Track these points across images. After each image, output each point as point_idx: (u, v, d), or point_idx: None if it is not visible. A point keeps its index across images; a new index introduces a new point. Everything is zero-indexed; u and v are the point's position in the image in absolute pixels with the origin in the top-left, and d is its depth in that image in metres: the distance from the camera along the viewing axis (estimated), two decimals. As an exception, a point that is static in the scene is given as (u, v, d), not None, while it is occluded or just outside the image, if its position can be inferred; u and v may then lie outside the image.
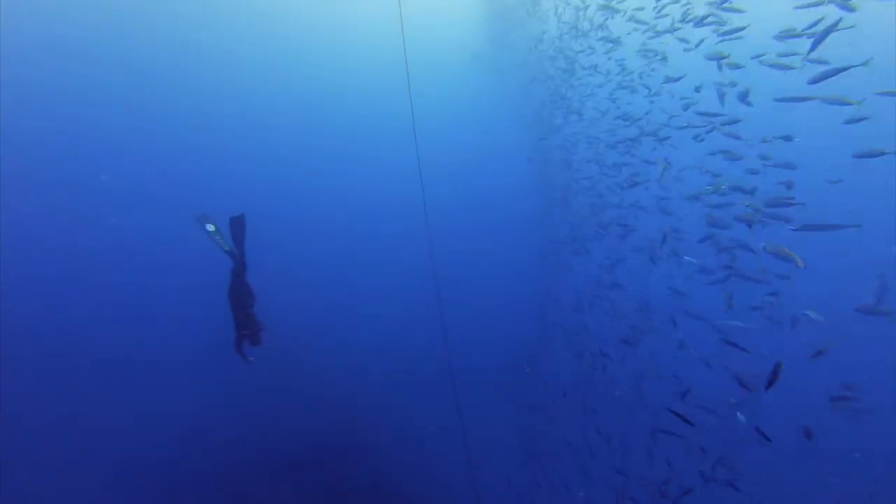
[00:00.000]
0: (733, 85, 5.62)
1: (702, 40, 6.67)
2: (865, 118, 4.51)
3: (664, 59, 8.18)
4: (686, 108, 6.87)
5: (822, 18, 4.39)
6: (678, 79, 6.87)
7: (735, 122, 5.66)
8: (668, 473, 6.21)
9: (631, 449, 7.44)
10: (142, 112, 15.77)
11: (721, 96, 5.92)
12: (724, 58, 5.42)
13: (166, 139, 16.09)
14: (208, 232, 6.18)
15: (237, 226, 6.31)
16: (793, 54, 5.17)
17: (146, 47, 16.02)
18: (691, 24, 6.52)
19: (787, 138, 5.69)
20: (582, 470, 8.11)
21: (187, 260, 13.10)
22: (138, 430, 10.18)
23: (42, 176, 13.76)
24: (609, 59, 9.52)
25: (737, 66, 5.49)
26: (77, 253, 13.38)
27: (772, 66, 5.09)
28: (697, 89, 6.96)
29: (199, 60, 17.24)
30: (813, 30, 4.50)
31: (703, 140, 6.58)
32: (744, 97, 5.22)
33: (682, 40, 6.90)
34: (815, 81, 4.37)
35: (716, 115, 6.20)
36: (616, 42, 8.98)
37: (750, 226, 4.79)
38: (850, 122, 4.61)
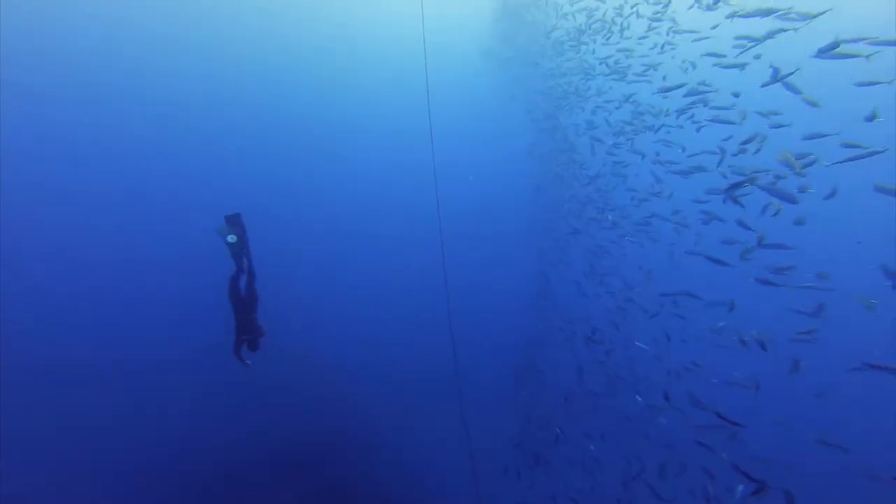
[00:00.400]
0: (757, 57, 5.44)
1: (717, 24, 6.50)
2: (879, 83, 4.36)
3: (674, 25, 7.98)
4: (698, 92, 6.65)
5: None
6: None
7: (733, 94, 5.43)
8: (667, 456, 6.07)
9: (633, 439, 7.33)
10: (151, 113, 15.78)
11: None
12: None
13: (179, 141, 16.10)
14: (228, 243, 6.11)
15: (235, 225, 6.26)
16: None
17: (155, 48, 16.06)
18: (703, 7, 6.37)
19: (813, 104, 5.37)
20: (583, 466, 7.97)
21: (186, 260, 13.10)
22: (138, 431, 10.15)
23: (42, 177, 13.78)
24: (617, 50, 9.35)
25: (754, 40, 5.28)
26: (77, 253, 13.40)
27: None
28: (743, 66, 6.47)
29: (206, 61, 17.21)
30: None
31: (701, 126, 6.38)
32: (776, 76, 4.97)
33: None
34: (824, 51, 4.23)
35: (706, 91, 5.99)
36: (624, 33, 8.82)
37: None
38: (860, 84, 4.46)
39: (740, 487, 4.40)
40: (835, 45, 4.02)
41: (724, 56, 5.90)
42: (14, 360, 10.63)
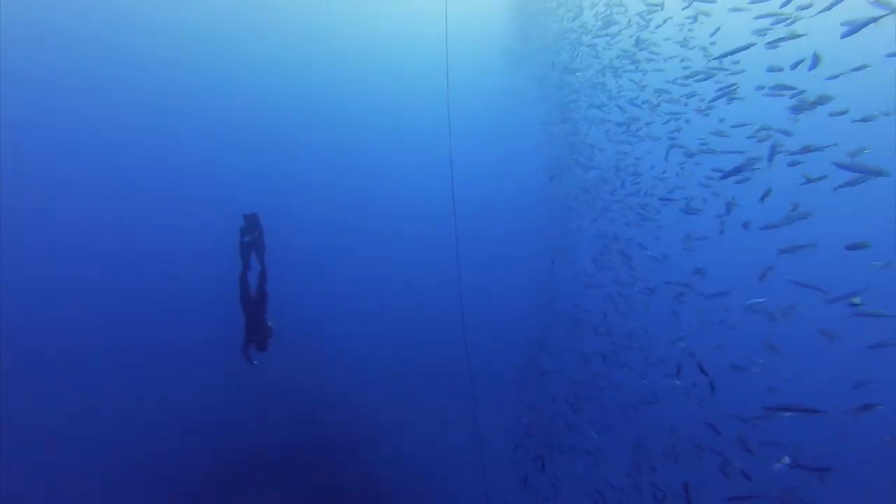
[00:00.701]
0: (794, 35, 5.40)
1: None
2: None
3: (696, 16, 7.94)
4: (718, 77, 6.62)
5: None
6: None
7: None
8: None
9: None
10: (161, 110, 15.68)
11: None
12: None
13: (199, 140, 16.01)
14: (243, 241, 6.13)
15: (254, 226, 6.23)
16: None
17: (160, 39, 15.96)
18: None
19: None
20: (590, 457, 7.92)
21: (189, 253, 12.99)
22: (137, 425, 10.00)
23: (46, 172, 13.65)
24: (637, 40, 9.35)
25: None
26: (79, 248, 13.26)
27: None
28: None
29: (212, 55, 17.09)
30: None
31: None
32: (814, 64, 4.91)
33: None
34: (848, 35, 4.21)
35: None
36: (650, 20, 8.79)
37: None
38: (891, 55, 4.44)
39: (784, 460, 4.35)
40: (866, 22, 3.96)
41: (760, 36, 5.86)
42: (14, 352, 10.48)
